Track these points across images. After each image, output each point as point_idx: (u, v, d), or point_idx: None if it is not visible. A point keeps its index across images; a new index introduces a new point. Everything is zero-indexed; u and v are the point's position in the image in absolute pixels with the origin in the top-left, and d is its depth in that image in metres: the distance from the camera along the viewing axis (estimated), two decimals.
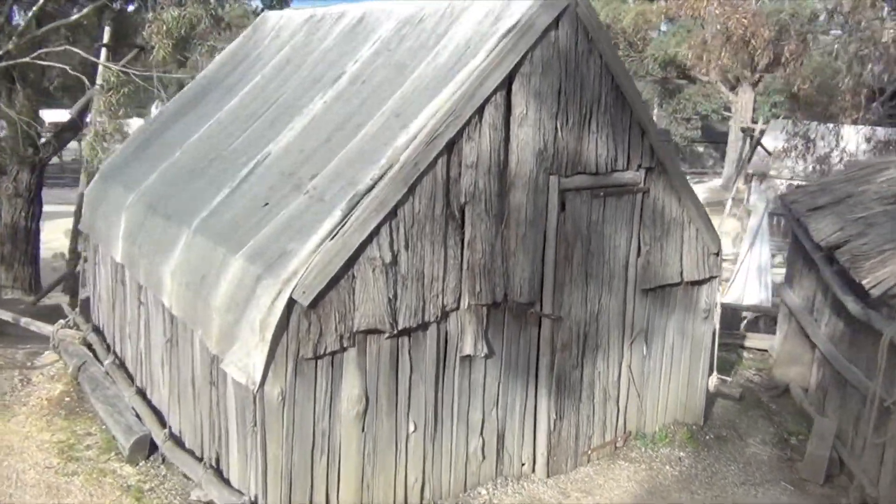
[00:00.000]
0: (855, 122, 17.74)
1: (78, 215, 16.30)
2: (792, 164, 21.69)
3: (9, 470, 5.89)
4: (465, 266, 5.18)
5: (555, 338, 5.73)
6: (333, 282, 4.63)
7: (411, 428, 5.20)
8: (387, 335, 4.93)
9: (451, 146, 4.96)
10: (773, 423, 7.56)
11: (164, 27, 14.57)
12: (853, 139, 19.08)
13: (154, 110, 14.65)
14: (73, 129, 22.00)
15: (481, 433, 5.57)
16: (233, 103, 7.47)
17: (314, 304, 4.58)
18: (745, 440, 7.03)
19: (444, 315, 5.17)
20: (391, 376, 5.05)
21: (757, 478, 6.34)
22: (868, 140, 18.30)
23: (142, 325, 6.72)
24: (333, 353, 4.76)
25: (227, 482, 5.19)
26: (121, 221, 7.08)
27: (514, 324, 5.57)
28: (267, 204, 5.41)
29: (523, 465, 5.89)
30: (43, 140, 21.57)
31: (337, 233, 4.60)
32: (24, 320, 9.08)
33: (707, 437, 6.87)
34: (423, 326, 5.10)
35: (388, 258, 4.80)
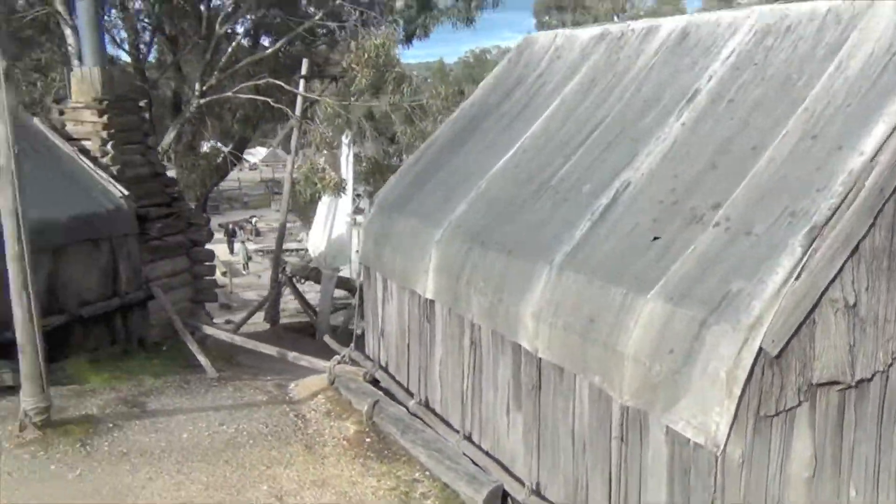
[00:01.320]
0: None
1: (280, 246, 16.61)
2: None
3: None
4: None
5: None
6: (798, 328, 4.05)
7: (852, 493, 4.53)
8: (839, 388, 4.30)
9: None
10: None
11: (365, 55, 14.62)
12: None
13: (344, 140, 14.70)
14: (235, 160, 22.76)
15: None
16: (534, 130, 7.08)
17: (778, 355, 4.01)
18: None
19: (892, 363, 4.49)
20: (836, 434, 4.40)
21: None
22: None
23: (466, 366, 6.37)
24: (788, 410, 4.17)
25: None
26: (428, 256, 6.80)
27: None
28: (657, 238, 4.92)
29: None
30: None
31: (801, 272, 4.03)
32: (291, 355, 9.02)
33: None
34: (870, 376, 4.43)
35: (850, 299, 4.17)
